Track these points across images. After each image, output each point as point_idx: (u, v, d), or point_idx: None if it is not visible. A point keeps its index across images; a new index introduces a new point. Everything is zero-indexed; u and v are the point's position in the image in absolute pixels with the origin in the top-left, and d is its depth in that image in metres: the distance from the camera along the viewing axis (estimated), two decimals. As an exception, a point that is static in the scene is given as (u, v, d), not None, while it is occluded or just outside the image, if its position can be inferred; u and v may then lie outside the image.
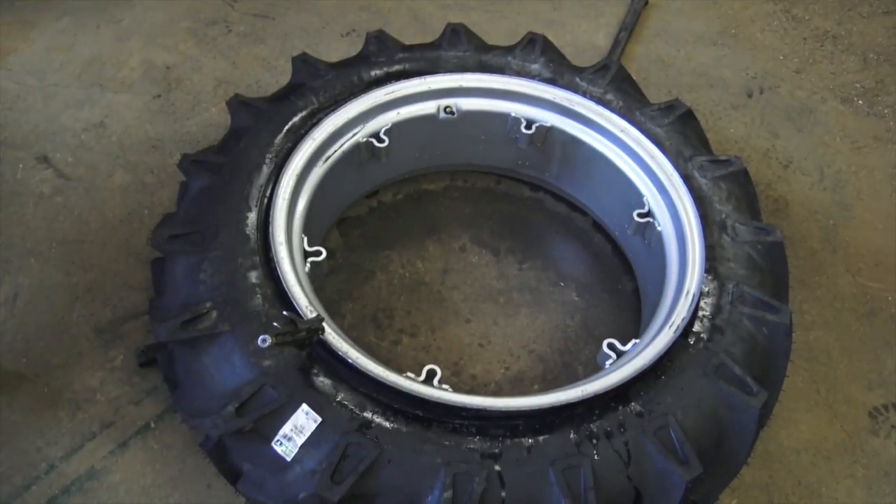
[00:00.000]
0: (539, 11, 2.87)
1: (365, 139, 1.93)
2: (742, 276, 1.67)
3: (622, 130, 1.93)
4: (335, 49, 2.62)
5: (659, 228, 1.83)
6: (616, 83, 2.07)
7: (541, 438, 1.38)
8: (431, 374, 1.55)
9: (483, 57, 2.10)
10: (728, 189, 1.85)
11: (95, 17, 2.65)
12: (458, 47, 2.12)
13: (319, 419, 1.36)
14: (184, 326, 1.47)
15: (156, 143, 2.28)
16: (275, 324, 1.42)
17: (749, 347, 1.57)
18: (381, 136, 1.95)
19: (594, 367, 1.84)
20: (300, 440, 1.35)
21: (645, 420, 1.42)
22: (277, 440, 1.35)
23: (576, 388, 1.45)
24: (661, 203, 1.85)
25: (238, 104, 1.92)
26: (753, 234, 1.76)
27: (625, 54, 2.72)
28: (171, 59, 2.55)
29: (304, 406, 1.37)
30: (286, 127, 1.86)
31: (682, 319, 1.56)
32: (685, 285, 1.64)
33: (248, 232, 1.63)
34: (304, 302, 1.52)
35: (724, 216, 1.78)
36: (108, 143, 2.27)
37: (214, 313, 1.49)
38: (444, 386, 1.48)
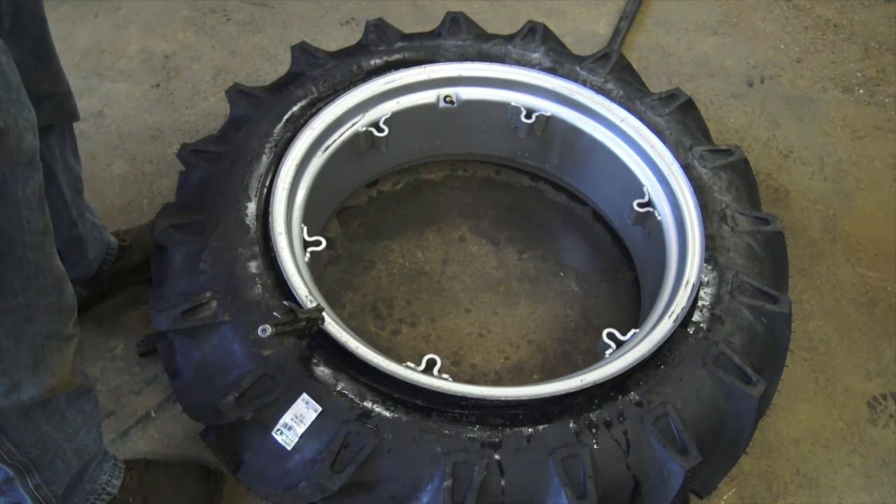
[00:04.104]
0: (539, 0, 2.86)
1: (364, 128, 1.93)
2: (742, 265, 1.67)
3: (622, 120, 1.92)
4: (334, 38, 2.61)
5: (659, 218, 1.83)
6: (616, 72, 2.07)
7: (540, 428, 1.39)
8: (431, 363, 1.55)
9: (483, 46, 2.09)
10: (728, 179, 1.85)
11: (93, 5, 2.64)
12: (458, 36, 2.11)
13: (319, 408, 1.37)
14: (184, 316, 1.47)
15: (155, 132, 2.28)
16: (275, 313, 1.43)
17: (748, 337, 1.57)
18: (381, 125, 1.95)
19: (594, 357, 1.85)
20: (300, 429, 1.35)
21: (644, 409, 1.42)
22: (278, 429, 1.36)
23: (575, 377, 1.45)
24: (661, 193, 1.85)
25: (237, 93, 1.91)
26: (753, 224, 1.76)
27: (625, 43, 2.71)
28: (169, 47, 2.54)
29: (305, 395, 1.38)
30: (285, 116, 1.85)
31: (682, 309, 1.57)
32: (685, 275, 1.64)
33: (247, 222, 1.63)
34: (304, 292, 1.52)
35: (724, 206, 1.78)
36: (107, 132, 2.26)
37: (214, 303, 1.49)
38: (444, 375, 1.49)
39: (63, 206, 1.55)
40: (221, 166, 1.73)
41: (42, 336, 1.14)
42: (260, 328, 1.25)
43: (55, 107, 1.41)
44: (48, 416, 1.23)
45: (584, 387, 1.43)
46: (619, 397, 1.44)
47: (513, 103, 2.02)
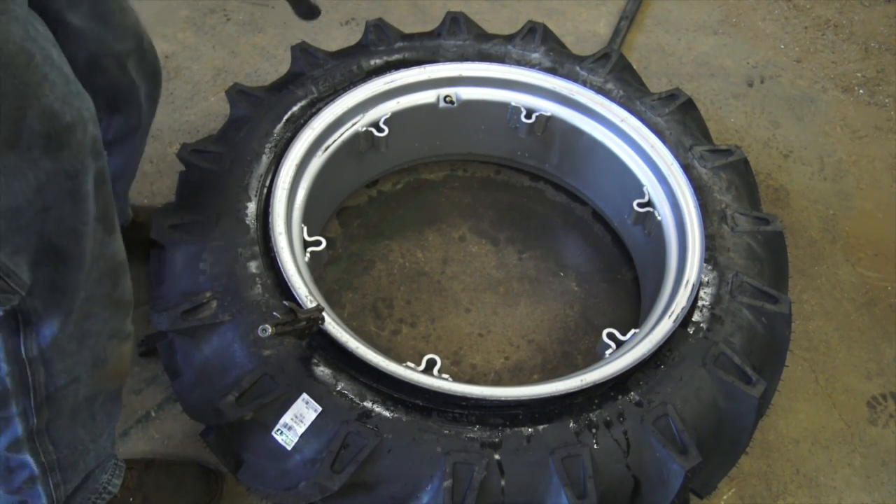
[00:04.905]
0: None
1: (364, 129, 1.93)
2: (742, 265, 1.67)
3: (622, 120, 1.92)
4: (334, 38, 2.61)
5: (659, 218, 1.83)
6: (616, 72, 2.07)
7: (540, 428, 1.39)
8: (431, 363, 1.55)
9: (483, 46, 2.09)
10: (728, 179, 1.85)
11: (93, 5, 2.64)
12: (458, 36, 2.11)
13: (319, 408, 1.37)
14: (184, 316, 1.47)
15: (155, 132, 2.26)
16: (275, 313, 1.42)
17: (748, 337, 1.57)
18: (381, 125, 1.95)
19: (593, 357, 1.85)
20: (300, 429, 1.35)
21: (644, 409, 1.42)
22: (278, 429, 1.36)
23: (575, 377, 1.46)
24: (661, 193, 1.85)
25: (237, 93, 1.91)
26: (753, 224, 1.76)
27: (625, 43, 2.71)
28: (169, 48, 2.54)
29: (305, 395, 1.38)
30: (285, 116, 1.85)
31: (682, 309, 1.57)
32: (685, 275, 1.64)
33: (247, 222, 1.63)
34: (304, 291, 1.52)
35: (723, 206, 1.78)
36: (107, 132, 2.26)
37: (214, 303, 1.49)
38: (444, 375, 1.49)
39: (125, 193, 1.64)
40: (221, 166, 1.73)
41: (104, 337, 1.16)
42: (260, 328, 1.25)
43: (138, 63, 1.44)
44: (84, 418, 1.25)
45: (584, 387, 1.43)
46: (619, 397, 1.44)
47: (513, 103, 2.02)
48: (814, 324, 2.01)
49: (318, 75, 1.95)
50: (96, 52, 1.34)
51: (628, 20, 2.75)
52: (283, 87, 1.93)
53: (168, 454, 1.66)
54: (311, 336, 1.43)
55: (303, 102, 1.89)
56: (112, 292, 1.15)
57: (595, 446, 1.37)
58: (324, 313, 1.43)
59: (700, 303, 1.61)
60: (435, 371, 1.53)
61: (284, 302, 1.45)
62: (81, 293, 1.08)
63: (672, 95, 2.02)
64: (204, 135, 2.21)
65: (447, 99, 2.01)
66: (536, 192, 2.24)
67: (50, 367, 1.11)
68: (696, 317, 1.58)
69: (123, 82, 1.44)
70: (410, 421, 1.38)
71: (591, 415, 1.41)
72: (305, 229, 1.73)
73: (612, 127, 1.95)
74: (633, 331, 1.64)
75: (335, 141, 1.89)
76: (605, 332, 1.64)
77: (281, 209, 1.66)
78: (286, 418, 1.36)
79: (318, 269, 1.87)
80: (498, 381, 1.84)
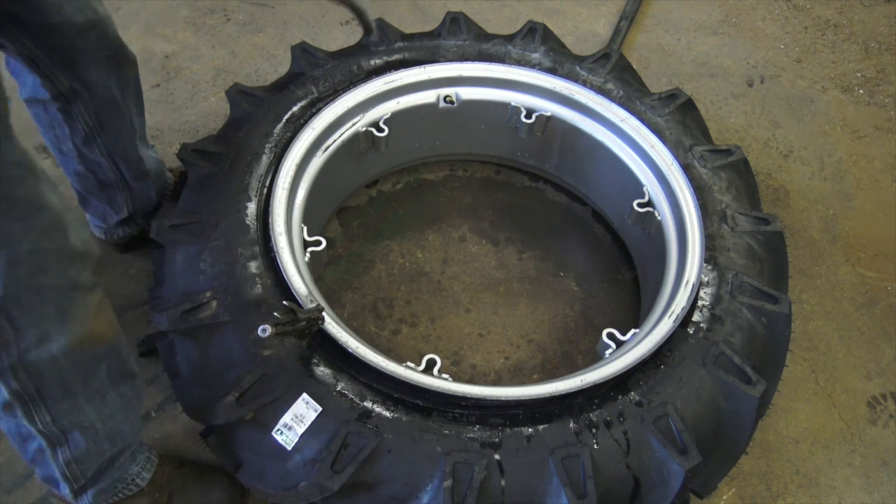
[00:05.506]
0: None
1: (364, 128, 1.93)
2: (742, 265, 1.67)
3: (622, 120, 1.92)
4: (334, 38, 2.61)
5: (659, 218, 1.83)
6: (616, 72, 2.07)
7: (540, 428, 1.39)
8: (431, 363, 1.55)
9: (483, 46, 2.09)
10: (728, 179, 1.85)
11: (93, 5, 2.64)
12: (458, 36, 2.11)
13: (319, 408, 1.37)
14: (184, 316, 1.47)
15: (155, 132, 2.28)
16: (275, 313, 1.42)
17: (748, 337, 1.57)
18: (381, 125, 1.95)
19: (594, 357, 1.85)
20: (300, 429, 1.35)
21: (644, 409, 1.42)
22: (278, 429, 1.36)
23: (575, 377, 1.45)
24: (661, 193, 1.85)
25: (237, 93, 1.91)
26: (753, 224, 1.76)
27: (625, 43, 2.71)
28: (169, 48, 2.54)
29: (305, 395, 1.38)
30: (285, 116, 1.85)
31: (682, 309, 1.57)
32: (685, 275, 1.64)
33: (247, 222, 1.63)
34: (304, 291, 1.52)
35: (723, 206, 1.78)
36: (107, 132, 2.26)
37: (214, 303, 1.49)
38: (444, 375, 1.49)
39: (132, 145, 1.70)
40: (222, 166, 1.73)
41: (64, 289, 1.16)
42: (260, 328, 1.25)
43: (99, 37, 1.49)
44: (89, 394, 1.26)
45: (584, 387, 1.43)
46: (619, 397, 1.44)
47: (513, 103, 2.02)
48: (814, 324, 2.01)
49: (318, 75, 1.95)
50: (56, 20, 1.39)
51: (628, 20, 2.75)
52: (284, 87, 1.93)
53: (168, 454, 1.66)
54: (311, 336, 1.43)
55: (303, 102, 1.89)
56: (64, 245, 1.15)
57: (595, 446, 1.37)
58: (324, 313, 1.43)
59: (700, 303, 1.61)
60: (435, 371, 1.53)
61: (284, 302, 1.44)
62: (24, 242, 1.08)
63: (672, 95, 2.02)
64: (204, 135, 2.21)
65: (447, 99, 2.01)
66: (536, 192, 2.24)
67: (13, 319, 1.11)
68: (696, 317, 1.58)
69: (80, 46, 1.47)
70: (410, 421, 1.38)
71: (591, 415, 1.41)
72: (305, 229, 1.73)
73: (612, 127, 1.95)
74: (633, 331, 1.64)
75: (335, 141, 1.89)
76: (605, 332, 1.64)
77: (281, 209, 1.66)
78: (286, 418, 1.36)
79: (318, 269, 1.87)
80: (498, 381, 1.84)
